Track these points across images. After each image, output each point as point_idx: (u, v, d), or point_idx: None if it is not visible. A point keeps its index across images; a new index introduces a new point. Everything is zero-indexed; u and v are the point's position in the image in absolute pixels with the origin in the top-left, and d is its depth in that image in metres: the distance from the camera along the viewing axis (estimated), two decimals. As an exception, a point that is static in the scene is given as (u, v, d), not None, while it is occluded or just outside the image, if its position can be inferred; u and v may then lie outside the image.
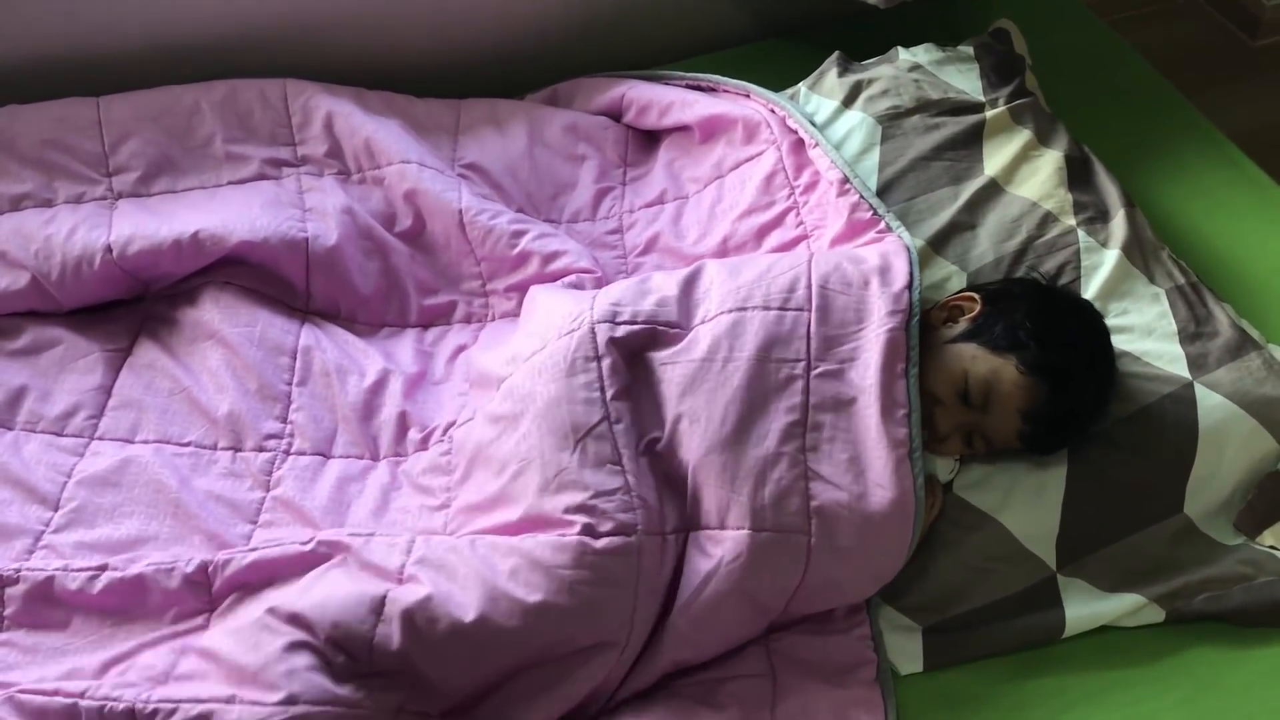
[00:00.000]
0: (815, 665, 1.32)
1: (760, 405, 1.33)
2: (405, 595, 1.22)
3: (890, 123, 1.67)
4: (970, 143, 1.66)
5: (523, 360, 1.41)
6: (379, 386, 1.53)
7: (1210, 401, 1.42)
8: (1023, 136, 1.67)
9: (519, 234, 1.63)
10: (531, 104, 1.84)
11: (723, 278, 1.44)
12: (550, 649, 1.23)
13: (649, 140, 1.82)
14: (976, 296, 1.44)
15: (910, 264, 1.42)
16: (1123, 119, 1.90)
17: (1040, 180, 1.62)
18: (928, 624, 1.36)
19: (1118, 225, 1.59)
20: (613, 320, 1.39)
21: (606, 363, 1.35)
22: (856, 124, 1.68)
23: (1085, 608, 1.36)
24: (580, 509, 1.26)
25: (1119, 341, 1.47)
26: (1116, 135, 1.85)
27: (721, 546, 1.28)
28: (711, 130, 1.74)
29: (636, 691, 1.29)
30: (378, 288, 1.64)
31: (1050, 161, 1.64)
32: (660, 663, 1.28)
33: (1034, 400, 1.35)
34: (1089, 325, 1.43)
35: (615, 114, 1.83)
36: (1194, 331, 1.50)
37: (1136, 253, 1.58)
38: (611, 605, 1.24)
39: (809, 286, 1.39)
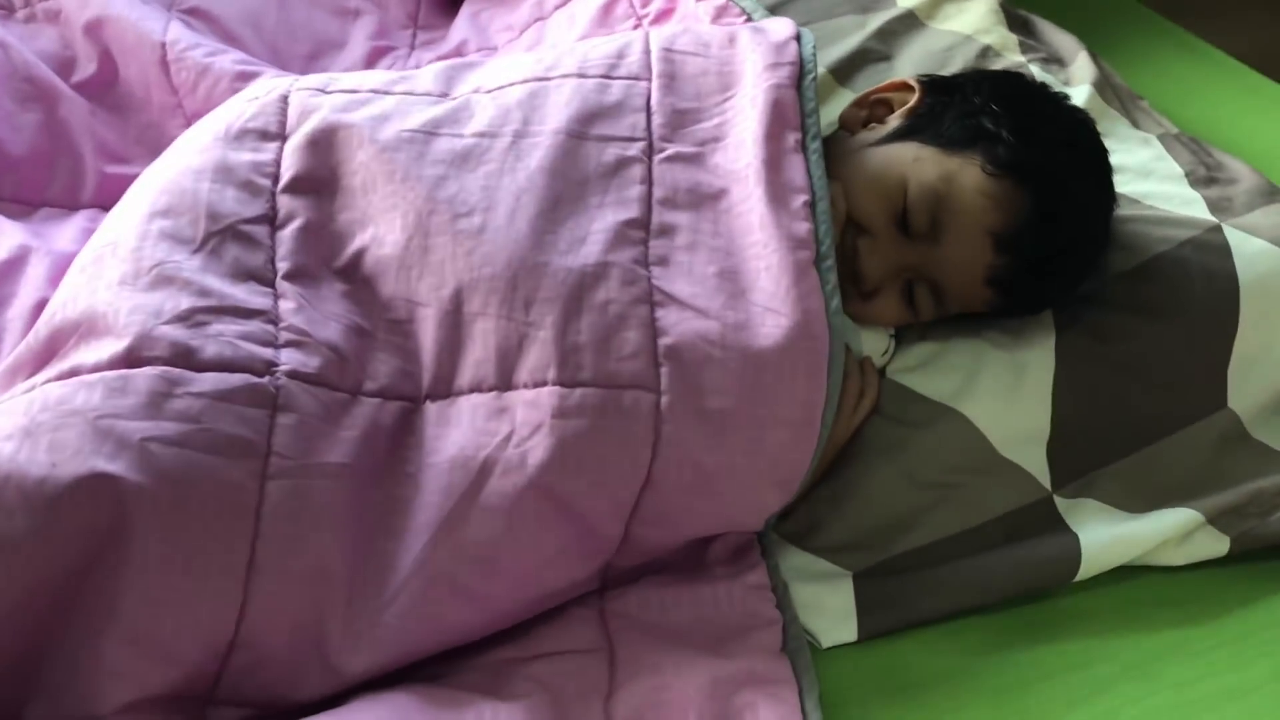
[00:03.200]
0: (679, 630, 0.79)
1: (575, 197, 0.84)
2: None
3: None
4: (880, -30, 1.26)
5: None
6: (11, 269, 1.01)
7: (1250, 247, 0.98)
8: (948, -25, 1.27)
9: (245, 77, 1.14)
10: (293, -53, 1.38)
11: (514, 56, 0.99)
12: (105, 561, 0.70)
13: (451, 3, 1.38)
14: (914, 84, 0.98)
15: (798, 28, 0.98)
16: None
17: (972, 18, 1.22)
18: (861, 568, 0.86)
19: (1081, 66, 1.20)
20: (322, 89, 0.93)
21: (293, 142, 0.88)
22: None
23: (1108, 530, 0.87)
24: (178, 319, 0.76)
25: (1108, 184, 1.03)
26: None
27: (506, 419, 0.77)
28: (532, -35, 1.30)
29: (371, 676, 0.74)
30: (36, 148, 1.14)
31: (983, 3, 1.24)
32: (404, 625, 0.74)
33: (1010, 214, 0.88)
34: (1077, 120, 0.98)
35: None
36: (1206, 176, 1.07)
37: (1111, 94, 1.17)
38: (215, 486, 0.72)
39: (646, 52, 0.95)
